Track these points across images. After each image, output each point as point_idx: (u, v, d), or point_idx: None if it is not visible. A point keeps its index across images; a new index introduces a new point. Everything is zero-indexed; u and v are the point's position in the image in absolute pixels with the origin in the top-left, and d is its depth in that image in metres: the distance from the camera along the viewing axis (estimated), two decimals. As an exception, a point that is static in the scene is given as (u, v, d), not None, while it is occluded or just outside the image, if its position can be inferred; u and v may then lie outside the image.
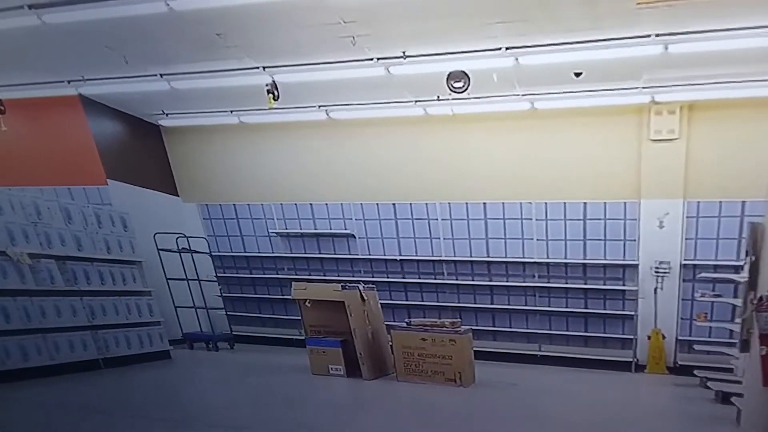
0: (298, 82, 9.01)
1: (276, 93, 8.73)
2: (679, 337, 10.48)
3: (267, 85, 8.70)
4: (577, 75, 8.41)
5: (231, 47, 8.15)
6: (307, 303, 8.48)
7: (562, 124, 9.99)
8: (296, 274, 12.42)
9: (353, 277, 11.83)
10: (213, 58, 8.56)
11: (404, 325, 8.27)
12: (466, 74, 8.08)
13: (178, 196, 12.57)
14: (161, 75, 9.19)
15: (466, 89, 8.18)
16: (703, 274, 9.55)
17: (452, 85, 8.19)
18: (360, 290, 8.37)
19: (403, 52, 8.06)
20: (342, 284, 8.26)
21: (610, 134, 9.89)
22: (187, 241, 11.24)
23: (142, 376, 8.42)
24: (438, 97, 9.36)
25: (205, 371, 9.34)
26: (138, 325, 9.28)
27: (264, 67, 8.70)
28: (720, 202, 9.77)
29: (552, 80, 8.78)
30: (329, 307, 8.31)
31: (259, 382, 8.11)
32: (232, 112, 10.83)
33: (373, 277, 11.86)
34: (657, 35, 7.09)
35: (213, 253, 12.60)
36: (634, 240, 10.36)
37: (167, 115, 11.31)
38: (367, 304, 8.48)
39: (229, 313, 12.79)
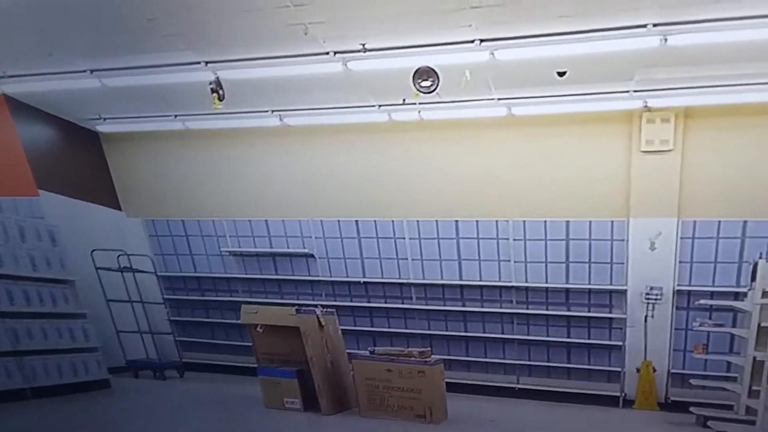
0: (245, 80, 8.00)
1: (221, 92, 7.72)
2: (672, 371, 9.53)
3: (211, 83, 7.68)
4: (561, 74, 7.43)
5: (166, 36, 7.12)
6: (258, 328, 7.64)
7: (542, 134, 9.03)
8: (251, 297, 11.43)
9: (314, 300, 10.95)
10: (148, 50, 7.54)
11: (367, 354, 7.42)
12: (434, 72, 7.05)
13: (120, 210, 11.46)
14: (91, 71, 8.11)
15: (435, 89, 7.16)
16: (702, 301, 8.55)
17: (419, 85, 7.17)
18: (317, 315, 7.57)
19: (363, 45, 7.07)
20: (297, 308, 7.41)
21: (596, 145, 8.94)
22: (128, 259, 10.15)
23: (74, 407, 7.51)
24: (404, 100, 8.38)
25: (146, 403, 8.31)
26: (71, 351, 8.39)
27: (206, 62, 7.68)
28: (719, 221, 8.84)
29: (532, 81, 7.80)
30: (284, 333, 7.46)
31: (204, 416, 7.23)
32: (176, 116, 9.80)
33: (335, 300, 10.90)
34: (655, 25, 6.12)
35: (160, 274, 11.53)
36: (623, 263, 9.39)
37: (104, 120, 10.24)
38: (326, 330, 7.68)
39: (178, 338, 11.80)
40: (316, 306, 7.85)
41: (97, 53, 7.75)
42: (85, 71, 8.13)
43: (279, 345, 7.66)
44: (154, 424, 6.75)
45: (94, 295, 9.95)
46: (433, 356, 7.38)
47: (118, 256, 10.19)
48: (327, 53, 7.25)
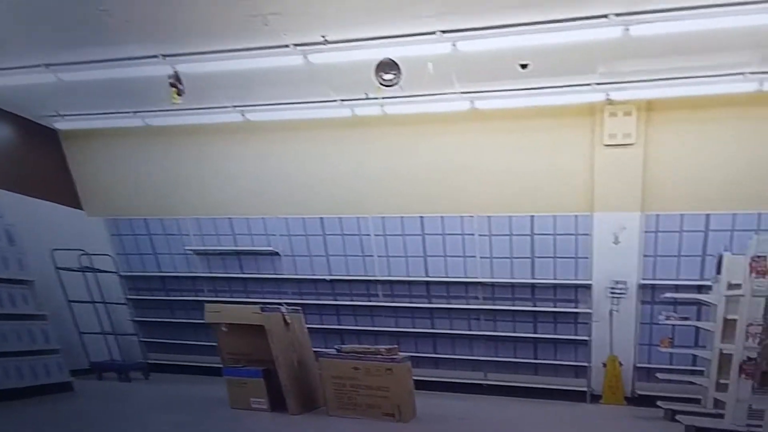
0: (205, 74, 7.82)
1: (180, 87, 7.53)
2: (638, 365, 9.52)
3: (169, 77, 7.48)
4: (524, 67, 7.36)
5: (121, 28, 6.93)
6: (223, 327, 7.48)
7: (505, 128, 8.95)
8: (217, 296, 11.23)
9: (280, 299, 10.57)
10: (103, 43, 7.31)
11: (334, 352, 7.25)
12: (396, 65, 6.94)
13: (81, 209, 11.22)
14: (46, 66, 7.88)
15: (397, 83, 7.05)
16: (668, 295, 8.51)
17: (382, 78, 7.05)
18: (282, 313, 7.41)
19: (324, 37, 6.93)
20: (261, 306, 7.24)
21: (559, 139, 8.87)
22: (89, 258, 9.90)
23: (35, 411, 7.19)
24: (366, 94, 8.27)
25: (109, 406, 7.99)
26: (31, 353, 8.08)
27: (164, 56, 7.48)
28: (681, 215, 8.83)
29: (495, 74, 7.71)
30: (249, 332, 7.27)
31: (167, 419, 6.87)
32: (135, 113, 9.57)
33: (301, 298, 10.74)
34: (617, 15, 6.08)
35: (123, 273, 11.38)
36: (587, 257, 9.35)
37: (63, 116, 9.96)
38: (292, 329, 7.53)
39: (143, 339, 11.64)
40: (281, 304, 7.66)
41: (50, 47, 7.51)
42: (39, 66, 7.89)
43: (244, 344, 7.48)
44: (115, 427, 6.55)
45: (54, 296, 9.75)
46: (400, 353, 7.26)
47: (80, 255, 9.95)
48: (287, 46, 7.09)
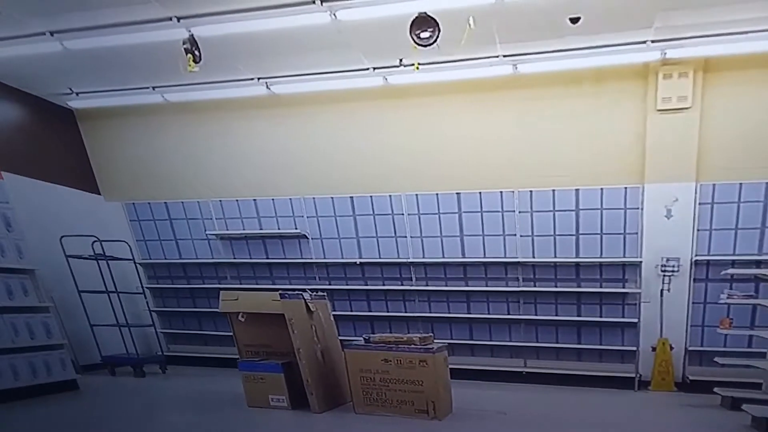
0: (223, 38, 7.24)
1: (197, 53, 7.02)
2: (690, 348, 8.93)
3: (184, 42, 6.96)
4: (574, 21, 6.77)
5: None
6: (240, 317, 6.86)
7: (550, 94, 8.37)
8: (240, 283, 10.76)
9: (307, 284, 10.25)
10: (107, 4, 6.72)
11: (361, 342, 6.46)
12: (434, 20, 6.40)
13: (99, 194, 10.75)
14: (51, 33, 7.34)
15: (435, 41, 6.51)
16: (729, 271, 7.85)
17: (418, 37, 6.52)
18: (305, 299, 6.68)
19: None
20: (281, 292, 6.49)
21: (609, 105, 8.27)
22: (101, 245, 9.37)
23: (33, 414, 6.58)
24: (400, 61, 7.78)
25: (114, 405, 7.34)
26: (30, 349, 7.47)
27: (177, 18, 6.92)
28: (740, 184, 8.21)
29: (541, 31, 7.12)
30: (268, 321, 6.65)
31: (177, 420, 6.30)
32: (154, 88, 9.08)
33: (330, 284, 10.27)
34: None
35: (143, 261, 10.94)
36: (636, 233, 8.76)
37: (77, 94, 9.47)
38: (316, 317, 6.79)
39: (163, 330, 11.20)
40: (304, 290, 6.97)
41: (52, 11, 6.92)
42: (43, 33, 7.35)
43: (263, 335, 6.91)
44: (129, 426, 6.05)
45: (65, 286, 9.30)
46: (435, 342, 6.52)
47: (93, 242, 9.40)
48: (312, 1, 6.51)
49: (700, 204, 8.40)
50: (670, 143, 8.14)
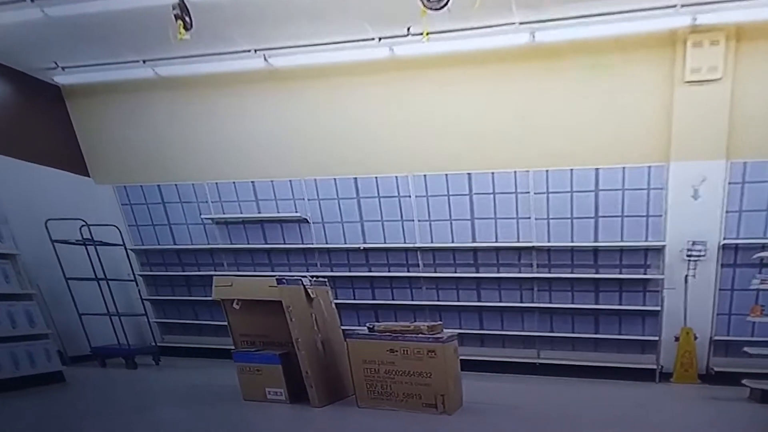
0: (215, 2, 6.78)
1: (187, 19, 6.43)
2: (715, 337, 8.42)
3: (174, 7, 6.35)
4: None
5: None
6: (235, 304, 6.32)
7: (570, 66, 7.82)
8: (238, 270, 10.25)
9: (307, 271, 9.76)
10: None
11: (365, 331, 5.95)
12: (446, -21, 5.85)
13: (89, 176, 10.22)
14: (31, -1, 6.83)
15: (446, 3, 5.95)
16: (764, 254, 7.32)
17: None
18: (304, 285, 6.15)
19: None
20: (278, 278, 5.97)
21: (633, 77, 7.71)
22: (89, 230, 8.81)
23: (14, 407, 6.08)
24: (408, 29, 7.23)
25: (106, 399, 6.80)
26: (11, 339, 6.93)
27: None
28: (774, 161, 7.69)
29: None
30: (265, 309, 6.12)
31: (164, 416, 5.77)
32: (144, 62, 8.55)
33: (332, 270, 9.76)
34: None
35: (136, 247, 10.46)
36: (660, 215, 8.22)
37: (63, 69, 8.92)
38: (316, 305, 6.27)
39: (156, 320, 10.70)
40: (304, 275, 6.52)
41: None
42: (22, -1, 6.84)
43: (260, 324, 6.42)
44: (98, 427, 5.38)
45: (52, 273, 8.79)
46: (445, 331, 6.01)
47: (81, 227, 8.84)
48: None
49: (729, 183, 7.85)
50: (699, 118, 7.59)
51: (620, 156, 8.07)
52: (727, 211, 7.96)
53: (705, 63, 7.33)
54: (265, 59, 8.19)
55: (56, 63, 8.79)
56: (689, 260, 8.12)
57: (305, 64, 8.30)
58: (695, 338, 8.36)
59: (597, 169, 8.24)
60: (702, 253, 8.04)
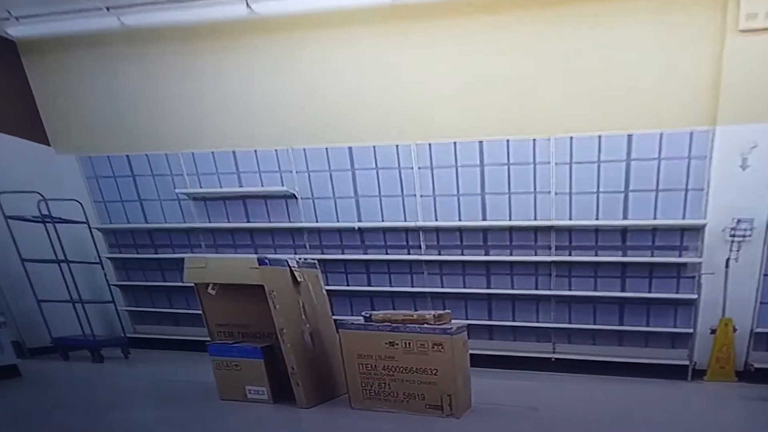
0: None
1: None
2: (756, 329, 7.52)
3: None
4: None
5: None
6: (210, 289, 5.51)
7: (600, 12, 6.83)
8: (217, 251, 9.29)
9: (296, 253, 8.86)
10: None
11: (361, 321, 5.25)
12: None
13: (49, 144, 9.20)
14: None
15: None
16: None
17: None
18: (291, 267, 5.38)
19: None
20: (260, 257, 5.16)
21: (677, 26, 6.71)
22: (47, 205, 7.87)
23: None
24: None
25: (67, 396, 6.00)
26: None
27: None
28: (840, 125, 6.74)
29: None
30: (245, 295, 5.35)
31: (128, 418, 4.96)
32: (108, 9, 7.51)
33: (322, 253, 8.84)
34: None
35: (102, 226, 9.42)
36: (702, 189, 7.25)
37: (17, 19, 7.87)
38: (304, 290, 5.50)
39: (127, 308, 9.79)
40: (290, 257, 5.65)
41: None
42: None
43: (239, 312, 5.67)
44: (72, 425, 4.69)
45: (7, 254, 8.04)
46: (453, 321, 5.30)
47: (39, 202, 7.91)
48: None
49: (786, 150, 6.91)
50: (754, 73, 6.61)
51: (658, 119, 7.08)
52: (780, 184, 7.03)
53: (763, 8, 6.36)
54: (247, 5, 7.18)
55: (9, 12, 7.78)
56: (732, 241, 7.18)
57: (292, 11, 7.32)
58: (734, 330, 7.48)
59: (630, 135, 7.26)
60: (748, 233, 7.11)
